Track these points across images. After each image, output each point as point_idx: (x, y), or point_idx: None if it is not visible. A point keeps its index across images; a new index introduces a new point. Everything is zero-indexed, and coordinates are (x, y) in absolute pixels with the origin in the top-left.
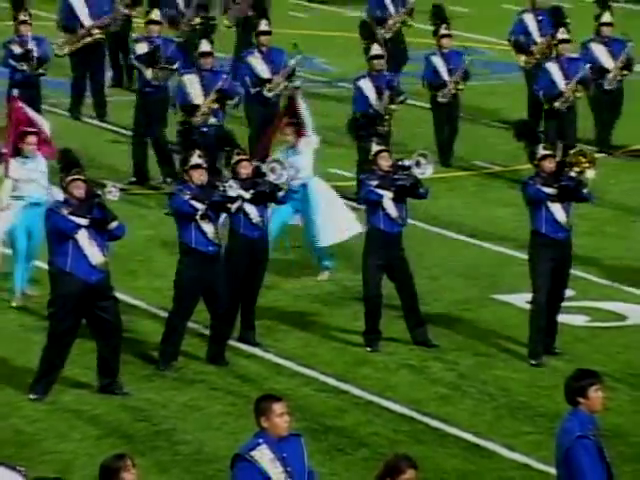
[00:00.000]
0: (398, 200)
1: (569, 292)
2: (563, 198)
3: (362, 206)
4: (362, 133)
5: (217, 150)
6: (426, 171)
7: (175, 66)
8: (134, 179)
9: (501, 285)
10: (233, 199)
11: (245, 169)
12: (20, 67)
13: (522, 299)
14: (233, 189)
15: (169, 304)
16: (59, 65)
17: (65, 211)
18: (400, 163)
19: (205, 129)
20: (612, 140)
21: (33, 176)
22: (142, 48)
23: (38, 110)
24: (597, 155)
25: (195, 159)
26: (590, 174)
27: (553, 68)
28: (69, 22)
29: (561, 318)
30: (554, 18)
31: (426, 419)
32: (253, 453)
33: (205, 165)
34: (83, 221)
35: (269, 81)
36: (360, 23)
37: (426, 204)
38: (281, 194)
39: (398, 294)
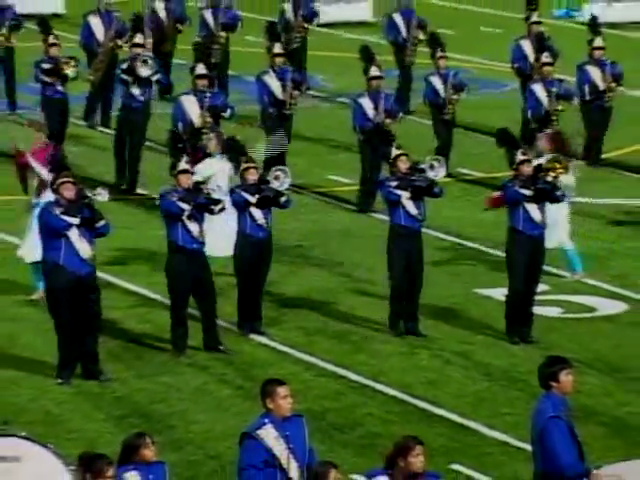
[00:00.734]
0: (415, 199)
1: (545, 287)
2: (539, 199)
3: (362, 213)
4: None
5: (229, 158)
6: (439, 173)
7: (156, 78)
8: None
9: (482, 280)
10: (216, 201)
11: (252, 175)
12: (50, 81)
13: (501, 293)
14: (216, 192)
15: None
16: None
17: (57, 210)
18: (416, 166)
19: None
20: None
21: None
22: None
23: (65, 122)
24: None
25: (182, 165)
26: (565, 179)
27: (538, 89)
28: (88, 42)
29: (537, 310)
30: (538, 44)
31: (415, 401)
32: (259, 431)
33: (191, 170)
34: (74, 220)
35: (284, 101)
36: (361, 47)
37: None
38: (284, 199)
39: (408, 285)
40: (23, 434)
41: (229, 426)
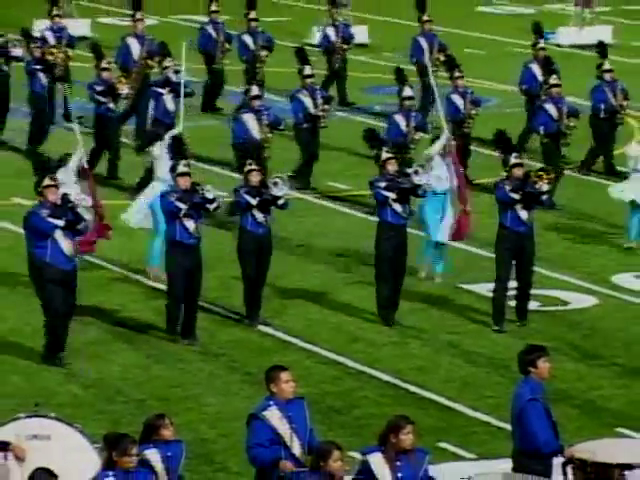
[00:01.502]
0: (401, 199)
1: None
2: (526, 202)
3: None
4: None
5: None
6: (422, 179)
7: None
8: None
9: (468, 277)
10: (211, 200)
11: (255, 177)
12: (103, 100)
13: (485, 288)
14: (210, 192)
15: None
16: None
17: (44, 213)
18: (403, 170)
19: None
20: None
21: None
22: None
23: (118, 136)
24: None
25: (181, 168)
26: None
27: (549, 107)
28: (125, 61)
29: (517, 303)
30: (546, 67)
31: (407, 385)
32: (265, 413)
33: (190, 173)
34: (60, 222)
35: (317, 116)
36: (395, 69)
37: None
38: (281, 202)
39: (392, 276)
40: (53, 415)
41: (238, 408)
